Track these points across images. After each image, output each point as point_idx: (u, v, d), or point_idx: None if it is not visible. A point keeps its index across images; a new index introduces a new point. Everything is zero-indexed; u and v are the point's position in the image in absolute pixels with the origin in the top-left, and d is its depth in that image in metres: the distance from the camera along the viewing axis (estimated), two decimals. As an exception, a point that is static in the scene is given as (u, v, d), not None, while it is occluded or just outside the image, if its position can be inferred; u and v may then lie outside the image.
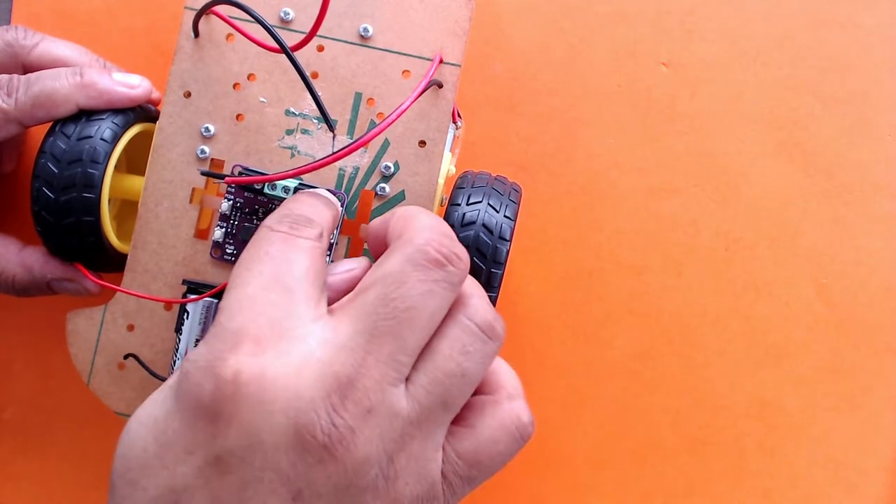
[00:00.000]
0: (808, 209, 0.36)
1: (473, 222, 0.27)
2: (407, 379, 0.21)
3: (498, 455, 0.22)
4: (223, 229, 0.29)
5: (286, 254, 0.22)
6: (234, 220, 0.29)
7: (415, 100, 0.27)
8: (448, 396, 0.21)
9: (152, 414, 0.20)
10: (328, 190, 0.28)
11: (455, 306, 0.22)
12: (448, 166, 0.30)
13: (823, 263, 0.35)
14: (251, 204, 0.29)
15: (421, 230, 0.22)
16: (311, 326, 0.21)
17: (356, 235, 0.29)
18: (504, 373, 0.24)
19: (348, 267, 0.24)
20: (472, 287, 0.23)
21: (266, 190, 0.28)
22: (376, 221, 0.25)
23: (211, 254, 0.29)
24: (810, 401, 0.35)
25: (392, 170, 0.29)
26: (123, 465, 0.20)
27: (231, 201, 0.29)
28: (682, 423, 0.35)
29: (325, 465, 0.19)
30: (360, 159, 0.29)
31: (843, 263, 0.35)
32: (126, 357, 0.29)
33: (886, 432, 0.34)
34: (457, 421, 0.22)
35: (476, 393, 0.23)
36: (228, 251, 0.29)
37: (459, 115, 0.31)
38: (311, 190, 0.27)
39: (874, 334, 0.35)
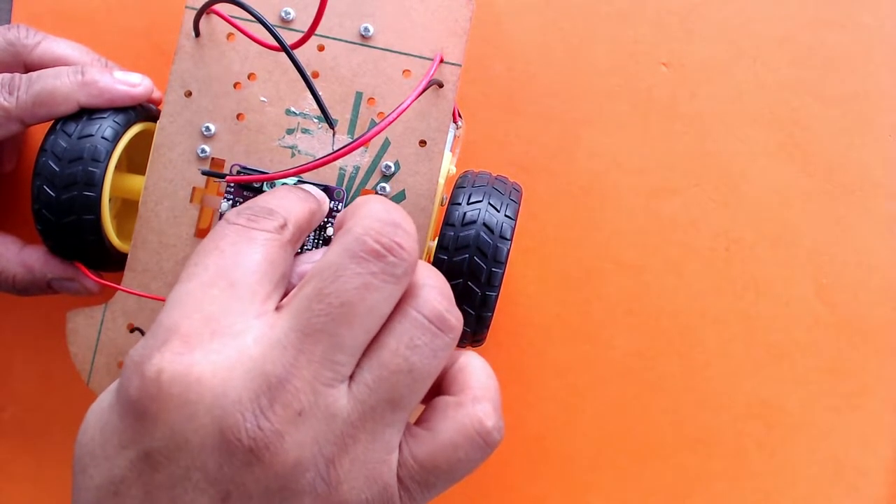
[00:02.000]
0: (808, 209, 0.36)
1: (474, 221, 0.27)
2: (351, 377, 0.20)
3: (458, 462, 0.21)
4: None
5: (237, 247, 0.21)
6: None
7: (415, 99, 0.27)
8: (395, 394, 0.20)
9: (102, 404, 0.20)
10: (327, 187, 0.28)
11: (404, 298, 0.21)
12: (448, 166, 0.30)
13: (823, 263, 0.35)
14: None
15: (362, 219, 0.21)
16: (252, 322, 0.20)
17: None
18: (475, 372, 0.22)
19: (320, 256, 0.23)
20: (426, 277, 0.21)
21: (265, 189, 0.28)
22: (342, 212, 0.24)
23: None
24: (810, 401, 0.35)
25: (392, 169, 0.29)
26: (78, 450, 0.20)
27: (230, 201, 0.29)
28: (682, 423, 0.35)
29: (253, 469, 0.18)
30: (361, 159, 0.29)
31: (843, 263, 0.35)
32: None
33: (886, 432, 0.34)
34: (420, 422, 0.21)
35: (444, 393, 0.22)
36: None
37: (460, 115, 0.31)
38: (293, 185, 0.26)
39: (874, 334, 0.35)
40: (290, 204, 0.24)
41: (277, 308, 0.21)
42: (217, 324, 0.20)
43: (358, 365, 0.20)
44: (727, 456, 0.35)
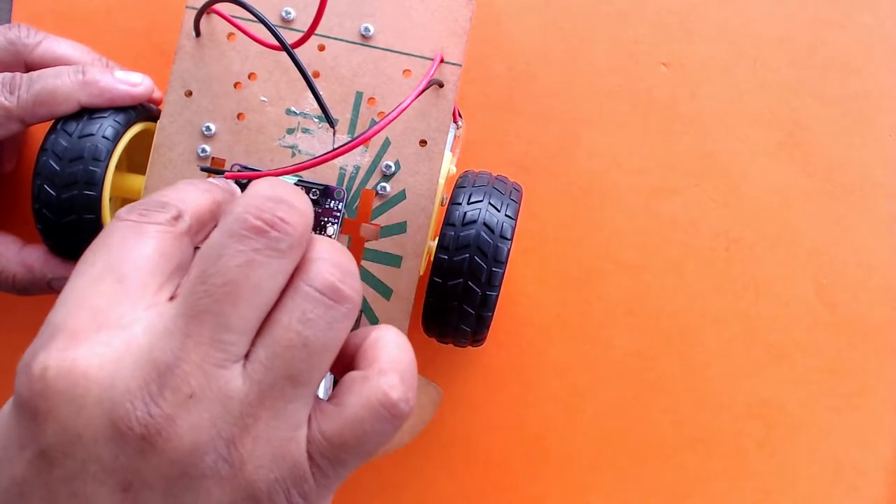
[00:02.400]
0: (808, 209, 0.36)
1: (475, 221, 0.27)
2: (247, 356, 0.19)
3: (365, 435, 0.20)
4: None
5: (127, 241, 0.21)
6: None
7: (415, 98, 0.27)
8: (293, 370, 0.19)
9: (4, 410, 0.20)
10: (327, 186, 0.28)
11: (296, 273, 0.20)
12: (449, 166, 0.30)
13: (823, 263, 0.35)
14: None
15: (244, 198, 0.20)
16: (142, 314, 0.20)
17: (356, 235, 0.29)
18: (386, 346, 0.22)
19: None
20: (321, 250, 0.21)
21: None
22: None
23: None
24: (810, 400, 0.35)
25: (393, 169, 0.29)
26: None
27: None
28: (682, 423, 0.35)
29: (148, 456, 0.18)
30: (361, 158, 0.29)
31: (843, 263, 0.35)
32: None
33: (886, 432, 0.34)
34: (331, 398, 0.21)
35: (355, 368, 0.22)
36: None
37: (460, 115, 0.31)
38: (207, 179, 0.25)
39: (874, 334, 0.35)
40: (187, 196, 0.23)
41: (171, 298, 0.20)
42: (104, 317, 0.19)
43: (252, 343, 0.20)
44: (727, 456, 0.35)
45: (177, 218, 0.22)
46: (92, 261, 0.20)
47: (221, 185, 0.25)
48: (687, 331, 0.35)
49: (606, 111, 0.36)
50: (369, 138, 0.26)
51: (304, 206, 0.21)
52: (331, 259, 0.21)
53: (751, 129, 0.36)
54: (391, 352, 0.22)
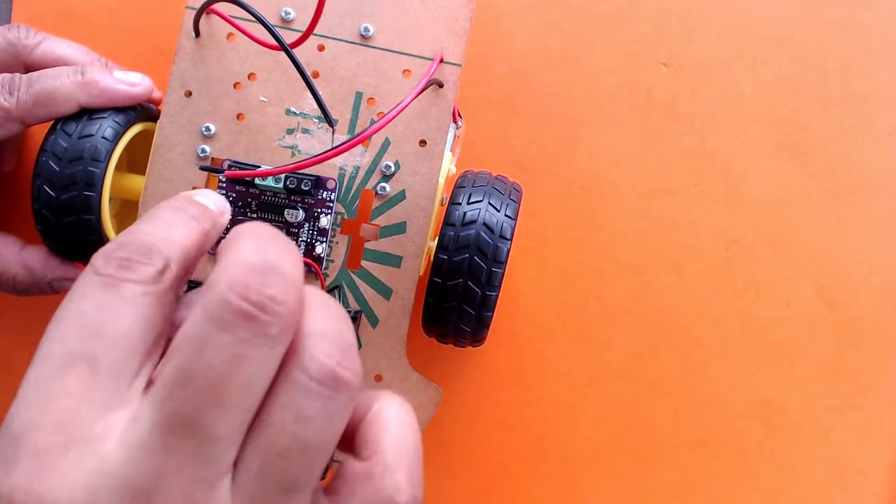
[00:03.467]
0: (809, 209, 0.36)
1: (474, 221, 0.27)
2: (236, 464, 0.17)
3: None
4: None
5: (104, 310, 0.17)
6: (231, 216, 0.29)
7: (414, 98, 0.27)
8: (288, 479, 0.17)
9: None
10: (318, 177, 0.28)
11: (288, 355, 0.17)
12: (448, 166, 0.30)
13: (823, 263, 0.35)
14: (244, 197, 0.29)
15: (227, 268, 0.17)
16: (114, 418, 0.17)
17: (356, 235, 0.29)
18: (389, 428, 0.19)
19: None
20: (313, 321, 0.18)
21: (258, 181, 0.28)
22: (221, 243, 0.19)
23: (210, 252, 0.29)
24: (810, 401, 0.35)
25: (392, 169, 0.29)
26: None
27: (223, 195, 0.29)
28: (682, 423, 0.35)
29: None
30: (361, 159, 0.29)
31: (843, 263, 0.35)
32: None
33: (886, 432, 0.34)
34: (328, 492, 0.19)
35: (354, 451, 0.19)
36: None
37: (460, 115, 0.31)
38: (186, 193, 0.22)
39: (874, 334, 0.35)
40: (173, 232, 0.19)
41: (148, 384, 0.18)
42: (73, 428, 0.17)
43: (242, 446, 0.17)
44: (727, 456, 0.35)
45: (163, 271, 0.18)
46: (62, 336, 0.17)
47: (209, 206, 0.22)
48: (687, 331, 0.35)
49: (606, 111, 0.36)
50: (368, 137, 0.26)
51: (295, 272, 0.18)
52: (327, 334, 0.18)
53: (751, 129, 0.36)
54: (395, 436, 0.19)
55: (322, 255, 0.29)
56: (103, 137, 0.28)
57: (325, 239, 0.29)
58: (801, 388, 0.35)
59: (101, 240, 0.29)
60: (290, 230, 0.29)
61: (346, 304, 0.29)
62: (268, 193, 0.29)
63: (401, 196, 0.29)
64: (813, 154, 0.36)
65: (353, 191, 0.29)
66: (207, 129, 0.29)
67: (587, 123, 0.36)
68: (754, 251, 0.35)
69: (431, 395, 0.30)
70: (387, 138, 0.29)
